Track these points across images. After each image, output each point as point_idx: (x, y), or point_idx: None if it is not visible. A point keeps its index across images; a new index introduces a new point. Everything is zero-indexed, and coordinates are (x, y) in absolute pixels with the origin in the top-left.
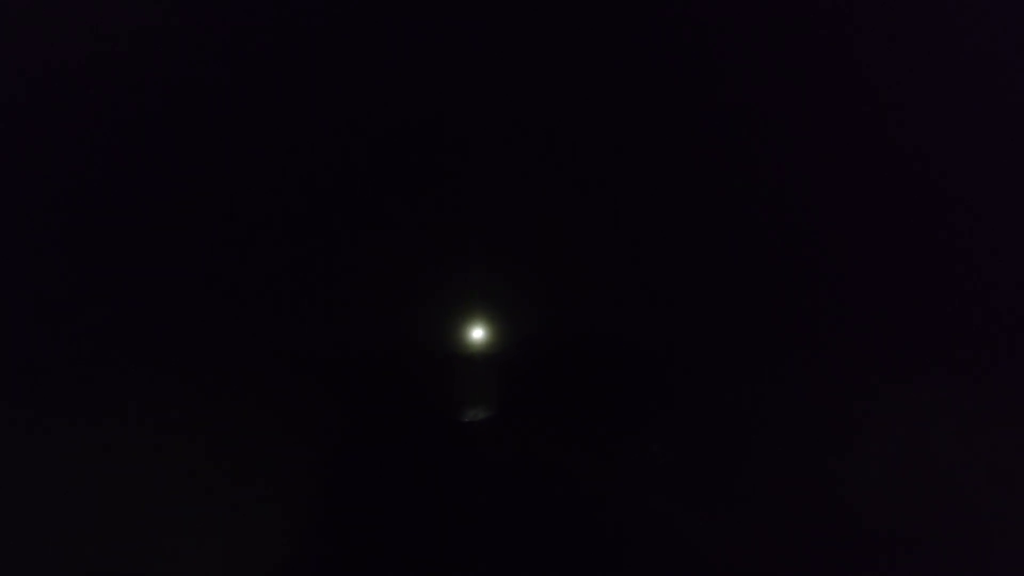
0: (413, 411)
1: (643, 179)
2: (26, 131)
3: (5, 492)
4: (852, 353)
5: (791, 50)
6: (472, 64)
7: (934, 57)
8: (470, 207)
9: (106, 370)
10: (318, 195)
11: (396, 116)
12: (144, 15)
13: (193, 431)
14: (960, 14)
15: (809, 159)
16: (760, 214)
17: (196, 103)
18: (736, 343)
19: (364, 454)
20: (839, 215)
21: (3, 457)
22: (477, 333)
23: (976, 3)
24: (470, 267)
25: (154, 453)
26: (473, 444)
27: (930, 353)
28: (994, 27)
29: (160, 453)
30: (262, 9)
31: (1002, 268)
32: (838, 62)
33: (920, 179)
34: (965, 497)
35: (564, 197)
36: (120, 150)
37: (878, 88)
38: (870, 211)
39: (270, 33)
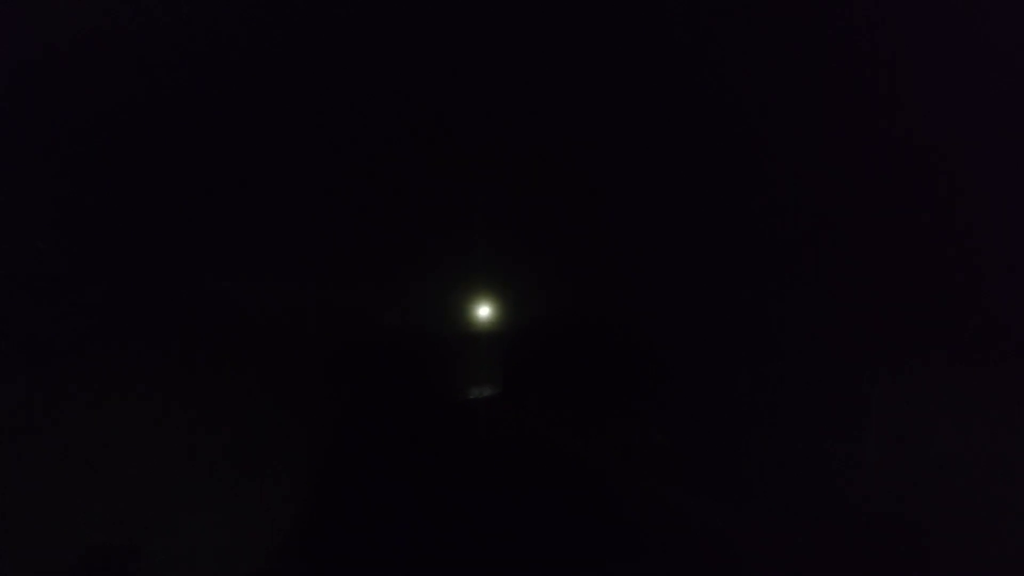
0: (418, 389)
1: (650, 164)
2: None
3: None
4: (858, 342)
5: (789, 48)
6: (480, 54)
7: (935, 55)
8: (477, 192)
9: (104, 355)
10: (323, 179)
11: (406, 101)
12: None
13: (193, 414)
14: (963, 14)
15: (811, 153)
16: (770, 201)
17: (202, 93)
18: (743, 330)
19: (368, 432)
20: (845, 202)
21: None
22: (483, 312)
23: (979, 4)
24: (478, 248)
25: (154, 438)
26: (477, 422)
27: (936, 343)
28: (997, 26)
29: (160, 438)
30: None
31: (1004, 263)
32: (836, 59)
33: (922, 171)
34: (968, 487)
35: (572, 180)
36: (120, 136)
37: (879, 84)
38: (876, 200)
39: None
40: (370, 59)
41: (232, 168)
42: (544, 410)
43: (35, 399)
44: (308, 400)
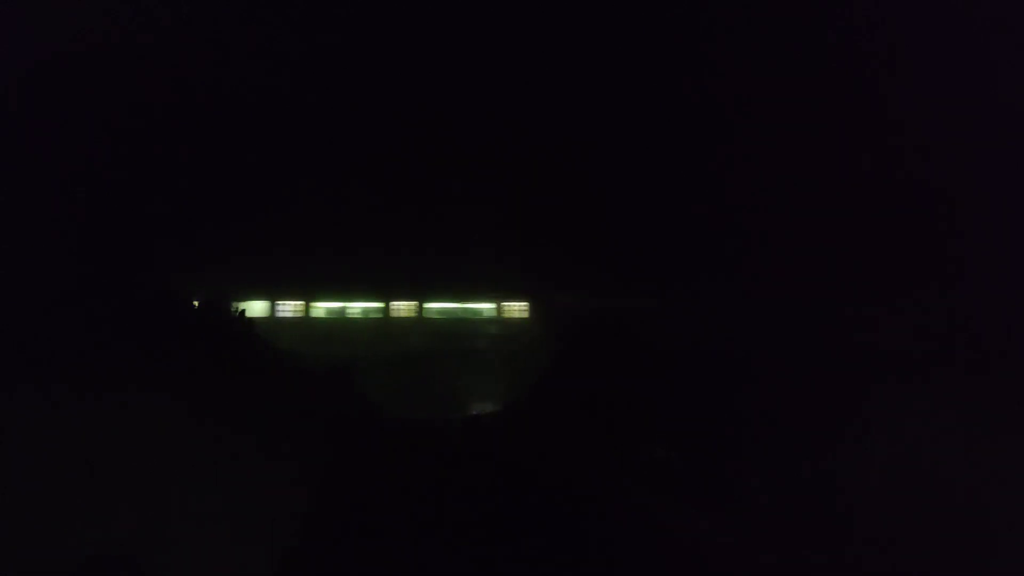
0: (415, 407)
1: (652, 179)
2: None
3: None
4: (855, 355)
5: (791, 50)
6: (480, 55)
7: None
8: (477, 204)
9: (104, 363)
10: (325, 182)
11: (406, 102)
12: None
13: (194, 426)
14: (964, 17)
15: (812, 159)
16: (761, 216)
17: (203, 96)
18: (739, 345)
19: (365, 446)
20: (844, 215)
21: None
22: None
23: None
24: (474, 264)
25: (151, 447)
26: (475, 440)
27: (930, 354)
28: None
29: (158, 448)
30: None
31: (1003, 271)
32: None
33: (924, 181)
34: (964, 497)
35: (571, 197)
36: (124, 148)
37: (878, 89)
38: (874, 212)
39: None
40: (370, 60)
41: (231, 172)
42: (543, 424)
43: (35, 407)
44: (308, 413)
